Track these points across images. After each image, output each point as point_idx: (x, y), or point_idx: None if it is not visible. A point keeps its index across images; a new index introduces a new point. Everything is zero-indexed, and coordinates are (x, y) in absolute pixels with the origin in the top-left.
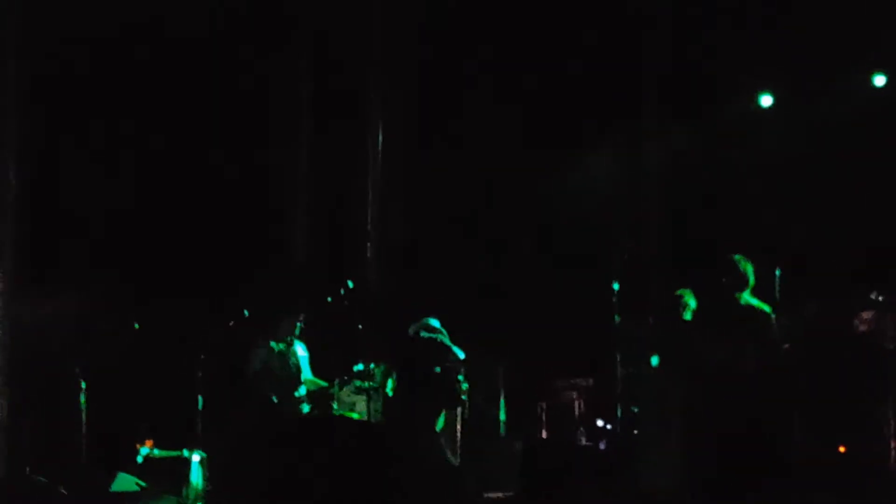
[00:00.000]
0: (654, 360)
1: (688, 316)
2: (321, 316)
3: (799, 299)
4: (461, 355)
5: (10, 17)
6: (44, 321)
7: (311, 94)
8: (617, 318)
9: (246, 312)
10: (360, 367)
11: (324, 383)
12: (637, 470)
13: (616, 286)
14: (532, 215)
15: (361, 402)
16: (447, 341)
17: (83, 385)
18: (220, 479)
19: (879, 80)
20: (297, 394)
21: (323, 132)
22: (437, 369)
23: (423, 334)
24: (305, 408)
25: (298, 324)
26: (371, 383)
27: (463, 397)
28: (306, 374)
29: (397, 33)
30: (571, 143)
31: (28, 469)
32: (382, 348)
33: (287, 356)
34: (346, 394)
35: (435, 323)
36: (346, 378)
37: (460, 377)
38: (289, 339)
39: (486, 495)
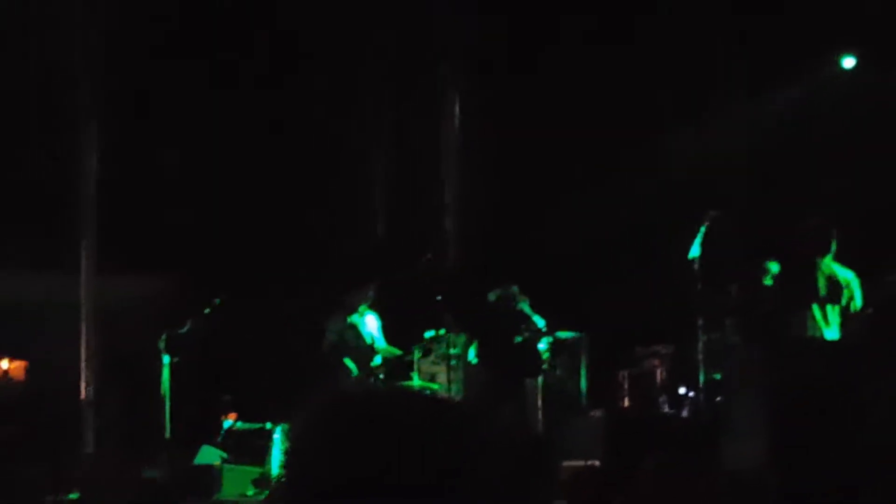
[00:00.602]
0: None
1: (768, 282)
2: (399, 285)
3: (883, 265)
4: (541, 324)
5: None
6: (128, 298)
7: (390, 71)
8: (698, 286)
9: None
10: (431, 333)
11: (398, 351)
12: (720, 439)
13: (697, 253)
14: (614, 185)
15: (442, 373)
16: (528, 309)
17: (166, 360)
18: (294, 453)
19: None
20: (372, 364)
21: (402, 105)
22: (518, 338)
23: (503, 301)
24: (381, 377)
25: (370, 297)
26: (455, 349)
27: (544, 367)
28: (380, 343)
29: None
30: (652, 115)
31: (115, 445)
32: (462, 317)
33: (360, 327)
34: (426, 364)
35: (515, 290)
36: (425, 346)
37: (541, 346)
38: (361, 309)
39: (567, 464)
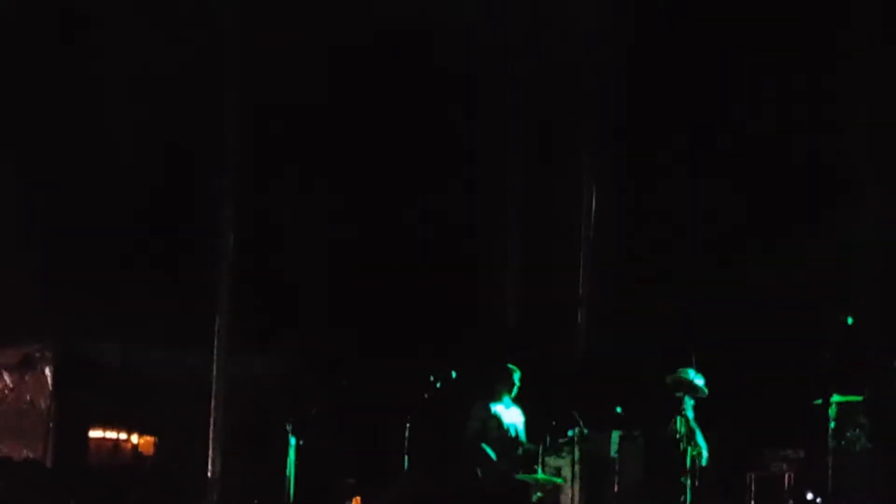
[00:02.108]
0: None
1: None
2: (540, 380)
3: None
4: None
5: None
6: (258, 379)
7: (524, 159)
8: (830, 390)
9: (454, 374)
10: (572, 433)
11: (535, 446)
12: None
13: (828, 356)
14: (744, 288)
15: (566, 467)
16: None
17: (293, 441)
18: None
19: None
20: (515, 455)
21: (536, 195)
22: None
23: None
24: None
25: (513, 387)
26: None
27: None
28: (522, 437)
29: (608, 103)
30: (782, 217)
31: None
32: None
33: (503, 419)
34: (552, 458)
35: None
36: (552, 442)
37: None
38: (505, 401)
39: None
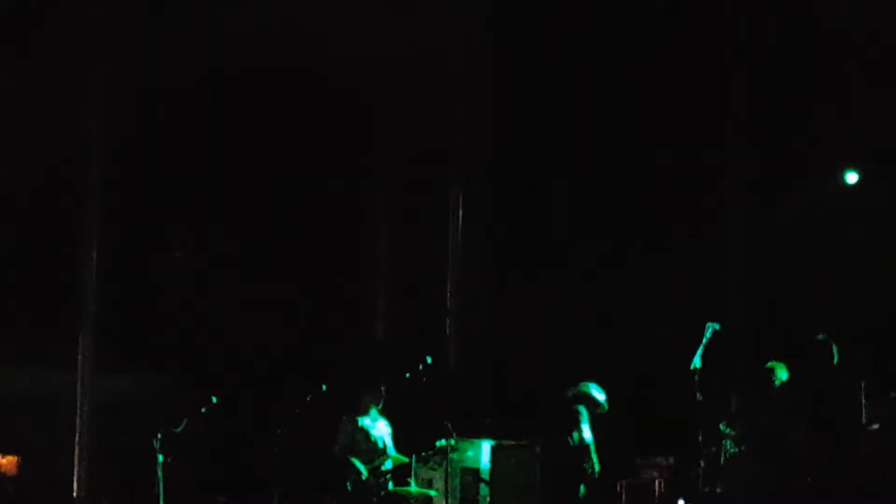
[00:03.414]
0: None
1: (777, 383)
2: (401, 392)
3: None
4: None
5: None
6: (124, 396)
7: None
8: (699, 396)
9: (324, 387)
10: (442, 442)
11: (405, 459)
12: None
13: (698, 364)
14: (619, 293)
15: (439, 479)
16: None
17: (160, 459)
18: None
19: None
20: (383, 468)
21: (403, 207)
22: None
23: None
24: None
25: (381, 400)
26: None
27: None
28: (390, 449)
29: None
30: (653, 227)
31: None
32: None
33: (371, 431)
34: (423, 469)
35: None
36: (424, 453)
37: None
38: (372, 414)
39: None
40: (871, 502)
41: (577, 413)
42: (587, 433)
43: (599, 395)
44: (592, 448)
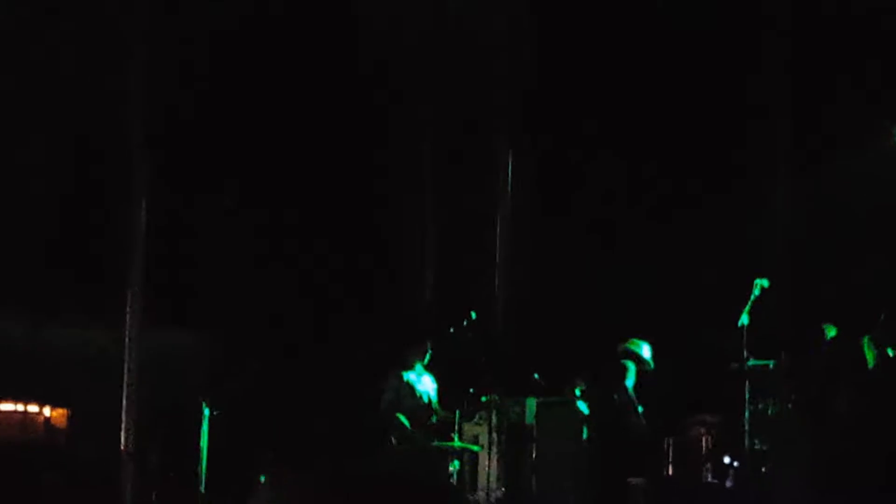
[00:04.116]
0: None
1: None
2: (446, 348)
3: None
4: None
5: None
6: (172, 353)
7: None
8: (746, 354)
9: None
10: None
11: (449, 415)
12: None
13: (746, 321)
14: (661, 251)
15: (484, 434)
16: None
17: (206, 413)
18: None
19: None
20: (428, 423)
21: (453, 171)
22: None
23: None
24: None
25: (427, 355)
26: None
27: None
28: (435, 405)
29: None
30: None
31: (154, 497)
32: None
33: (416, 387)
34: (469, 425)
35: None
36: (478, 410)
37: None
38: (417, 369)
39: None
40: None
41: (624, 369)
42: (632, 390)
43: (647, 353)
44: (637, 405)
